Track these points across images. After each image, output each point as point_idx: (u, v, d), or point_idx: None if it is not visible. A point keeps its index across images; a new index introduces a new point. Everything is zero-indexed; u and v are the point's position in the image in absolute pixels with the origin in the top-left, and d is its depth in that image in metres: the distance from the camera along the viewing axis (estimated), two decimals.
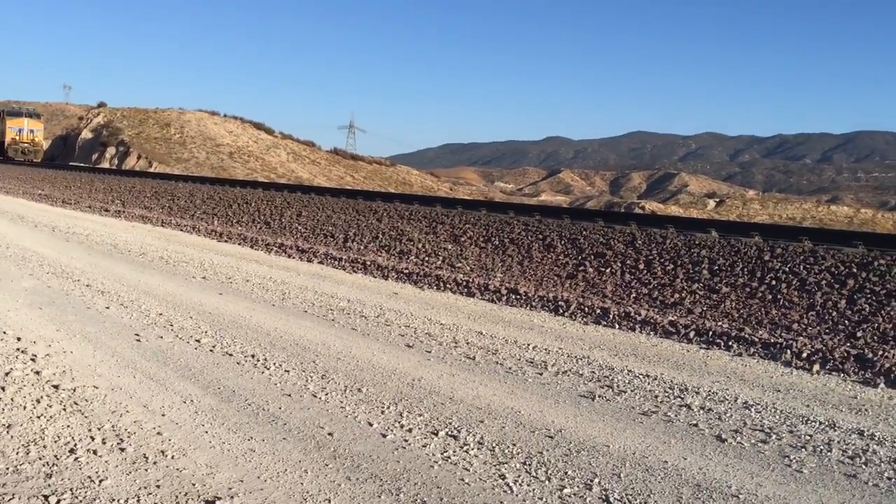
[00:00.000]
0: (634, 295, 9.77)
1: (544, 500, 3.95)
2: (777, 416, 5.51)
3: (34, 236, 14.11)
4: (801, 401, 5.94)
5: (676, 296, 9.53)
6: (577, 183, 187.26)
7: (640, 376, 6.43)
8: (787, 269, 9.54)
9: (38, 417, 4.74)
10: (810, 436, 5.12)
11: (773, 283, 9.34)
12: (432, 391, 5.76)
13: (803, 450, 4.86)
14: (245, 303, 8.87)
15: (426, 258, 12.62)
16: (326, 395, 5.54)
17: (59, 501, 3.62)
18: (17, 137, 54.16)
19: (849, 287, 8.82)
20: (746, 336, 7.82)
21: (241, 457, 4.31)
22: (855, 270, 9.13)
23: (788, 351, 7.30)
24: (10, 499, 3.62)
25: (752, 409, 5.65)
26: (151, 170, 52.90)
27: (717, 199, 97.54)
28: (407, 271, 11.51)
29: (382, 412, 5.22)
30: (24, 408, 4.89)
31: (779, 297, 9.00)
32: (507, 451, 4.61)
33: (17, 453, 4.15)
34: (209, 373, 5.96)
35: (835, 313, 8.35)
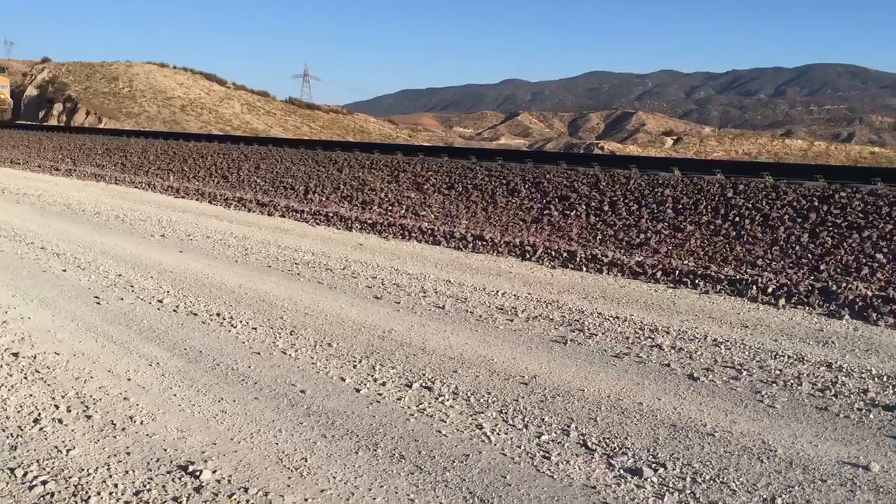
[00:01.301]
0: (600, 237, 9.76)
1: (523, 447, 3.93)
2: (747, 353, 5.56)
3: None
4: (769, 336, 6.00)
5: (642, 236, 9.55)
6: (536, 125, 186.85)
7: (611, 318, 6.44)
8: (751, 206, 9.59)
9: (0, 387, 4.58)
10: (780, 370, 5.17)
11: (737, 219, 9.39)
12: (404, 343, 5.70)
13: (774, 385, 4.90)
14: (207, 260, 8.68)
15: (389, 207, 12.47)
16: (296, 351, 5.45)
17: (25, 474, 3.50)
18: None
19: (811, 221, 8.90)
20: (712, 273, 7.87)
21: (212, 419, 4.22)
22: (816, 204, 9.21)
23: (754, 287, 7.36)
24: None
25: (722, 347, 5.69)
26: (101, 126, 51.43)
27: (675, 137, 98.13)
28: (371, 221, 11.36)
29: (354, 366, 5.15)
30: None
31: (743, 233, 9.06)
32: (482, 400, 4.58)
33: None
34: (174, 333, 5.83)
35: (798, 247, 8.43)
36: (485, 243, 9.70)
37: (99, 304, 6.67)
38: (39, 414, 4.20)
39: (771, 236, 8.83)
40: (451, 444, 3.96)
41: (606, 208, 10.63)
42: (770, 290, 7.26)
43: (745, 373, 5.12)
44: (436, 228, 10.62)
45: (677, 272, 8.01)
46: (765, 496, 3.48)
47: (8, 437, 3.89)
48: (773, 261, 8.24)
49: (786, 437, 4.11)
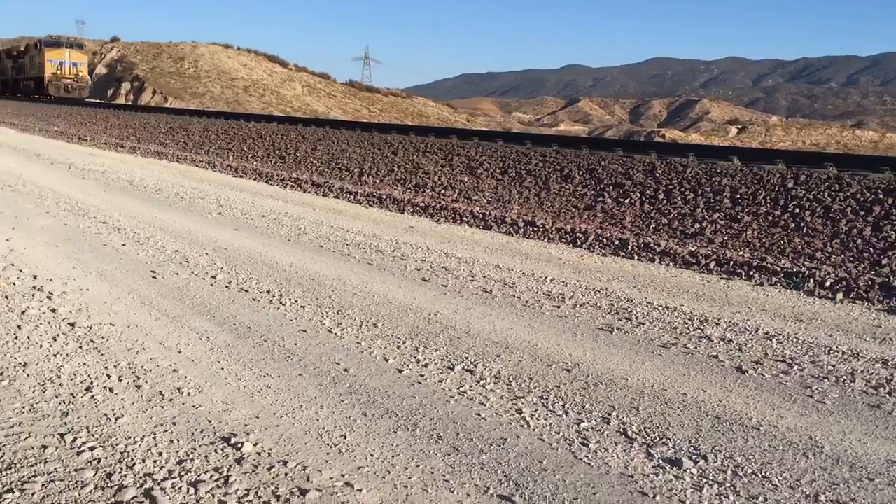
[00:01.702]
0: (654, 225, 9.62)
1: (561, 434, 3.92)
2: (799, 347, 5.42)
3: (50, 173, 14.08)
4: (824, 330, 5.84)
5: (697, 226, 9.37)
6: (597, 112, 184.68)
7: (660, 308, 6.35)
8: (812, 197, 9.33)
9: (55, 356, 4.74)
10: (833, 366, 5.04)
11: (797, 211, 9.15)
12: (448, 325, 5.71)
13: (826, 380, 4.78)
14: (261, 238, 8.82)
15: (442, 191, 12.48)
16: (342, 330, 5.51)
17: (74, 440, 3.62)
18: (59, 72, 46.80)
19: (875, 214, 8.61)
20: (768, 266, 7.69)
21: (256, 393, 4.30)
22: (881, 197, 8.90)
23: (811, 280, 7.18)
24: (27, 437, 3.62)
25: (774, 340, 5.56)
26: (167, 105, 52.62)
27: (740, 126, 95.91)
28: (423, 205, 11.40)
29: (398, 347, 5.18)
30: (41, 346, 4.89)
31: (802, 225, 8.82)
32: (523, 385, 4.57)
33: (34, 392, 4.16)
34: (225, 309, 5.95)
35: (859, 241, 8.17)
36: (536, 229, 9.65)
37: (155, 278, 6.84)
38: (91, 382, 4.33)
39: (832, 229, 8.58)
40: (489, 428, 3.96)
41: (661, 197, 10.46)
42: (828, 283, 7.07)
43: (795, 367, 5.00)
44: (487, 213, 10.60)
45: (732, 263, 7.85)
46: (808, 492, 3.40)
47: (60, 403, 4.03)
48: (832, 254, 8.00)
49: (834, 434, 4.01)
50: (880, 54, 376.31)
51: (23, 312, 5.57)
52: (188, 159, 17.78)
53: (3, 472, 3.31)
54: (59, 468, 3.37)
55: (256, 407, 4.12)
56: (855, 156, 15.68)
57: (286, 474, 3.41)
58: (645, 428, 4.02)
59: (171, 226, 9.34)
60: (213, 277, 6.92)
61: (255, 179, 14.61)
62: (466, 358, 5.01)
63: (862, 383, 4.73)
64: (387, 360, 4.92)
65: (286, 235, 9.08)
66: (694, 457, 3.70)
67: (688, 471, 3.56)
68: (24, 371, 4.45)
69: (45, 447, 3.54)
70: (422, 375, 4.67)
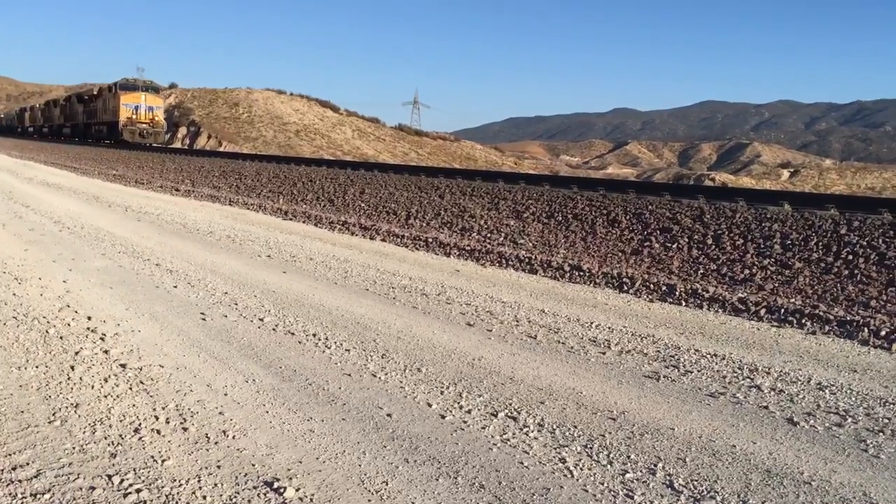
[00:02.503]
0: (702, 271, 9.49)
1: (606, 484, 3.85)
2: (853, 398, 5.27)
3: (107, 216, 14.51)
4: (879, 381, 5.67)
5: (746, 272, 9.23)
6: (645, 155, 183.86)
7: (708, 356, 6.24)
8: (865, 243, 9.13)
9: (106, 396, 4.84)
10: (889, 419, 4.88)
11: (850, 257, 8.95)
12: (492, 371, 5.69)
13: (881, 434, 4.63)
14: (308, 281, 8.94)
15: (488, 235, 12.52)
16: (386, 374, 5.53)
17: (122, 481, 3.68)
18: (134, 116, 45.48)
19: None
20: (821, 313, 7.52)
21: (300, 437, 4.33)
22: None
23: (866, 329, 6.99)
24: (76, 478, 3.69)
25: (827, 391, 5.42)
26: (221, 149, 53.76)
27: (792, 170, 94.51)
28: (469, 248, 11.43)
29: (442, 392, 5.18)
30: (92, 387, 5.00)
31: (856, 272, 8.62)
32: (567, 433, 4.51)
33: (84, 432, 4.25)
34: (271, 352, 6.02)
35: None
36: (582, 274, 9.60)
37: (204, 320, 6.96)
38: (140, 424, 4.41)
39: (887, 276, 8.37)
40: (532, 477, 3.92)
41: (710, 242, 10.34)
42: (883, 333, 6.87)
43: (849, 419, 4.86)
44: (533, 257, 10.58)
45: (782, 310, 7.69)
46: None
47: (109, 444, 4.11)
48: (887, 302, 7.80)
49: (890, 490, 3.87)
50: None
51: (76, 353, 5.71)
52: (240, 202, 18.15)
53: None
54: None
55: (300, 451, 4.14)
56: None
57: None
58: (692, 480, 3.93)
59: (221, 268, 9.52)
60: (261, 320, 7.02)
61: (304, 222, 14.84)
62: (510, 404, 4.98)
63: None
64: (430, 406, 4.91)
65: (333, 278, 9.18)
66: None
67: None
68: (75, 412, 4.55)
69: (92, 488, 3.61)
70: (465, 422, 4.65)
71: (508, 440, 4.38)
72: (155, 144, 44.89)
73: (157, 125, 47.13)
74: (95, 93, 53.33)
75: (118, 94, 45.96)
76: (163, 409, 4.68)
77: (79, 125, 56.27)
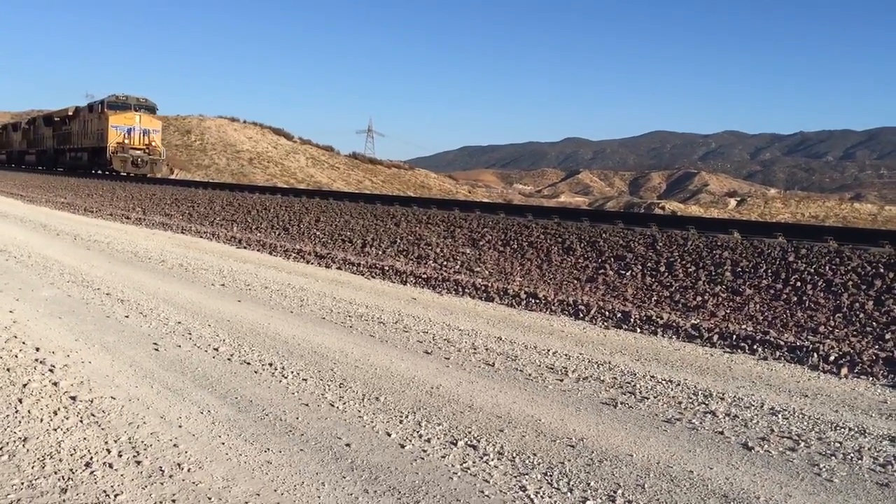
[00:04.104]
0: (656, 298, 9.63)
1: None
2: (805, 423, 5.38)
3: (56, 245, 14.18)
4: (830, 406, 5.80)
5: (699, 298, 9.39)
6: (597, 184, 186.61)
7: (663, 382, 6.31)
8: (813, 270, 9.37)
9: (55, 430, 4.70)
10: (840, 443, 4.99)
11: (798, 284, 9.17)
12: (451, 399, 5.68)
13: (833, 457, 4.72)
14: (263, 310, 8.83)
15: (444, 262, 12.54)
16: (344, 404, 5.48)
17: None
18: (126, 141, 37.56)
19: (876, 288, 8.64)
20: (772, 339, 7.67)
21: (257, 469, 4.25)
22: (882, 271, 8.94)
23: (815, 354, 7.15)
24: None
25: (780, 416, 5.52)
26: (173, 176, 52.79)
27: (739, 199, 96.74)
28: (425, 276, 11.44)
29: (401, 421, 5.14)
30: (41, 420, 4.86)
31: (804, 298, 8.83)
32: (527, 461, 4.52)
33: (33, 467, 4.11)
34: (227, 382, 5.92)
35: (862, 315, 8.17)
36: (538, 301, 9.66)
37: (157, 350, 6.83)
38: (91, 458, 4.29)
39: (834, 303, 8.59)
40: None
41: (663, 269, 10.50)
42: (832, 358, 7.04)
43: (802, 444, 4.95)
44: (489, 285, 10.63)
45: (734, 336, 7.83)
46: None
47: (59, 479, 3.98)
48: (835, 328, 7.99)
49: None
50: (876, 128, 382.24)
51: (24, 385, 5.54)
52: (192, 231, 17.91)
53: None
54: None
55: (257, 483, 4.07)
56: (854, 229, 15.81)
57: None
58: None
59: (174, 297, 9.36)
60: (216, 349, 6.91)
61: (258, 251, 14.70)
62: (470, 433, 4.97)
63: (870, 461, 4.67)
64: (389, 435, 4.87)
65: (289, 307, 9.09)
66: None
67: None
68: (23, 446, 4.41)
69: None
70: (424, 451, 4.63)
71: (469, 469, 4.36)
72: (151, 176, 37.49)
73: (155, 152, 38.82)
74: (70, 113, 44.66)
75: (105, 113, 38.15)
76: (115, 442, 4.56)
77: (47, 151, 48.66)
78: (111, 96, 39.20)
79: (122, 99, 39.09)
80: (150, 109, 40.03)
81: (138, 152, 37.60)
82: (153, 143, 38.56)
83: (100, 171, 39.23)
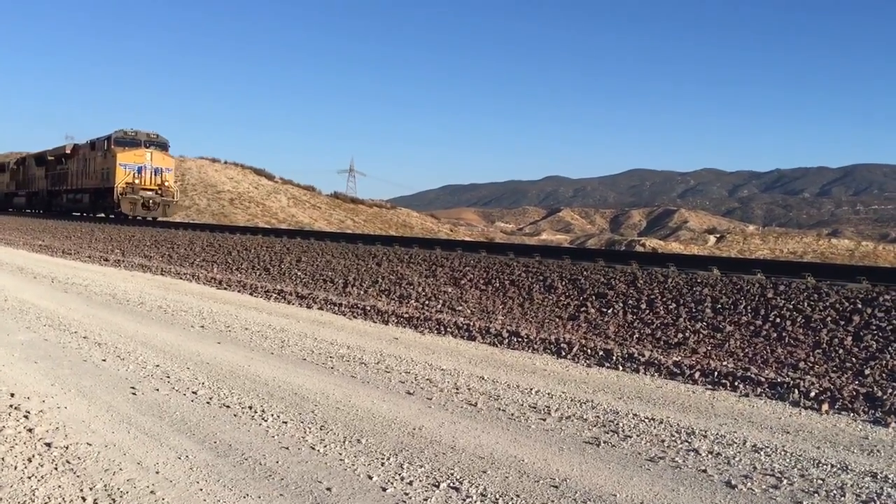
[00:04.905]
0: (637, 335, 9.65)
1: None
2: (787, 460, 5.37)
3: (33, 288, 14.03)
4: (812, 442, 5.80)
5: (680, 335, 9.42)
6: (578, 221, 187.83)
7: (646, 420, 6.30)
8: (792, 307, 9.44)
9: (30, 478, 4.61)
10: (822, 479, 4.98)
11: (778, 320, 9.23)
12: (433, 440, 5.63)
13: (816, 494, 4.71)
14: (243, 352, 8.75)
15: (426, 302, 12.52)
16: (325, 446, 5.41)
17: None
18: (137, 181, 33.94)
19: (855, 323, 8.71)
20: (752, 376, 7.69)
21: None
22: (860, 306, 9.02)
23: (796, 390, 7.17)
24: None
25: (762, 453, 5.51)
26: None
27: (718, 235, 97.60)
28: (407, 316, 11.40)
29: (382, 464, 5.09)
30: (16, 468, 4.76)
31: (784, 334, 8.88)
32: (510, 502, 4.47)
33: None
34: (205, 426, 5.84)
35: (841, 351, 8.22)
36: (520, 340, 9.65)
37: (135, 394, 6.73)
38: None
39: (813, 338, 8.64)
40: None
41: (644, 306, 10.54)
42: (812, 394, 7.06)
43: (785, 481, 4.94)
44: (471, 324, 10.61)
45: (716, 373, 7.85)
46: None
47: None
48: (815, 364, 8.03)
49: None
50: (851, 165, 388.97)
51: None
52: (172, 272, 17.80)
53: None
54: None
55: None
56: (831, 265, 16.01)
57: None
58: None
59: (152, 340, 9.26)
60: (195, 393, 6.82)
61: (239, 291, 14.60)
62: (452, 474, 4.92)
63: (852, 497, 4.67)
64: (371, 478, 4.81)
65: (269, 348, 9.02)
66: None
67: None
68: None
69: None
70: (406, 493, 4.57)
71: None
72: (163, 219, 33.87)
73: (168, 193, 34.94)
74: (68, 151, 41.24)
75: (113, 150, 34.48)
76: (90, 489, 4.47)
77: (39, 193, 45.53)
78: (118, 131, 35.45)
79: (132, 134, 35.36)
80: (162, 146, 36.20)
81: (150, 193, 34.04)
82: (166, 183, 34.91)
83: (102, 215, 36.58)
